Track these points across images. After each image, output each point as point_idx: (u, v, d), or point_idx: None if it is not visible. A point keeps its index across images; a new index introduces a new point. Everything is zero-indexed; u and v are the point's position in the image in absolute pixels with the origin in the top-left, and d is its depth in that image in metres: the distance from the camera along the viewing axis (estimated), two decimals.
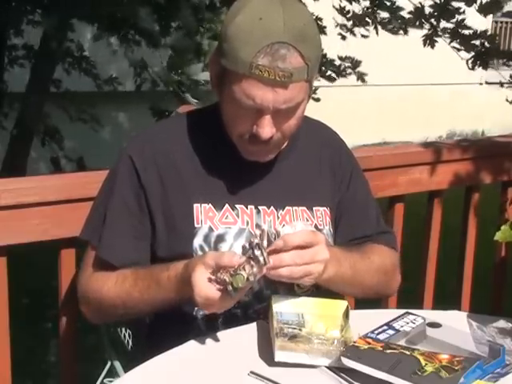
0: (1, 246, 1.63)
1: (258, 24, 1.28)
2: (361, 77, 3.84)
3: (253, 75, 1.29)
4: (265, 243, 1.23)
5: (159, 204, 1.44)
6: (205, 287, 1.22)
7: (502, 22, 12.58)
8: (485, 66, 3.17)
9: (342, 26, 3.83)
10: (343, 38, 3.94)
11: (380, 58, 7.46)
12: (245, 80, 1.30)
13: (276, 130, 1.36)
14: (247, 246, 1.23)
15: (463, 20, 3.16)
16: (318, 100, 3.77)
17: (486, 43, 3.11)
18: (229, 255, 1.22)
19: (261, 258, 1.20)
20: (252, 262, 1.20)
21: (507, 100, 3.01)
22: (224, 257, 1.21)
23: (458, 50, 3.17)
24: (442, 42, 3.46)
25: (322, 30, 3.83)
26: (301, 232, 1.27)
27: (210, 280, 1.22)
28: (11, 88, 4.86)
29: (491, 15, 11.25)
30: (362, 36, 3.92)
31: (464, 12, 3.18)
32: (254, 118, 1.34)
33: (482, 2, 3.03)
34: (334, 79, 3.77)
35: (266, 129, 1.34)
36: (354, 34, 3.96)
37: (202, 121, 1.52)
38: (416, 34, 3.56)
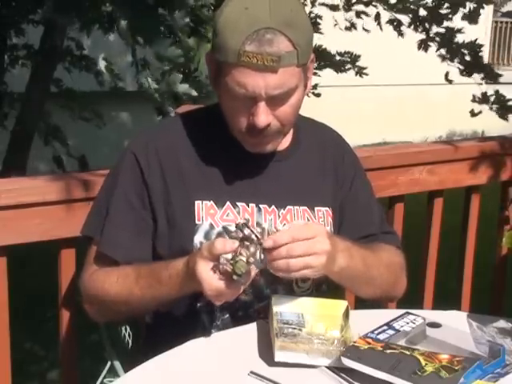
0: (1, 246, 1.63)
1: (244, 13, 1.31)
2: (360, 71, 3.82)
3: (242, 63, 1.30)
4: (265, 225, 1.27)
5: (161, 201, 1.44)
6: (213, 281, 1.22)
7: (501, 22, 12.59)
8: (470, 76, 3.21)
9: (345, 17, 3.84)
10: (349, 28, 3.94)
11: (380, 57, 7.46)
12: (235, 69, 1.32)
13: (272, 117, 1.37)
14: (234, 229, 1.24)
15: (452, 29, 3.21)
16: (318, 95, 3.76)
17: (472, 54, 3.14)
18: (220, 242, 1.22)
19: (252, 236, 1.21)
20: (246, 243, 1.21)
21: (471, 112, 3.04)
22: (216, 244, 1.21)
23: (444, 58, 3.21)
24: None
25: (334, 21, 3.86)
26: (292, 228, 1.27)
27: (214, 272, 1.22)
28: (11, 88, 4.86)
29: (491, 16, 11.27)
30: (364, 29, 3.91)
31: (451, 19, 3.23)
32: (249, 108, 1.36)
33: (470, 9, 3.11)
34: (339, 69, 3.76)
35: (262, 116, 1.35)
36: (356, 28, 3.96)
37: (205, 119, 1.53)
38: (417, 34, 3.57)
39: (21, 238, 1.65)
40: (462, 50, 3.14)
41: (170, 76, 2.46)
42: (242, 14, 1.31)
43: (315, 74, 3.49)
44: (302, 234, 1.25)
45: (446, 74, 3.23)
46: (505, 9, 13.37)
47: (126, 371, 1.43)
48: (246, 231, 1.22)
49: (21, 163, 4.52)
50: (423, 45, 3.33)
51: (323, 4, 3.96)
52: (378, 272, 1.48)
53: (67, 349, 1.78)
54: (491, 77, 3.16)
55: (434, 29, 3.30)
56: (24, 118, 4.49)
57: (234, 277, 1.20)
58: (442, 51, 3.22)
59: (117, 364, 1.58)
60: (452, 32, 3.19)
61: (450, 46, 3.17)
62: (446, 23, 3.24)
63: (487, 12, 10.85)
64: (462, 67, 3.15)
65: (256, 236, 1.22)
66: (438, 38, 3.22)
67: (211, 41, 1.42)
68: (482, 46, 3.22)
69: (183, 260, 1.31)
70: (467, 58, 3.14)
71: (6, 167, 4.51)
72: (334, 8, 3.87)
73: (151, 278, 1.36)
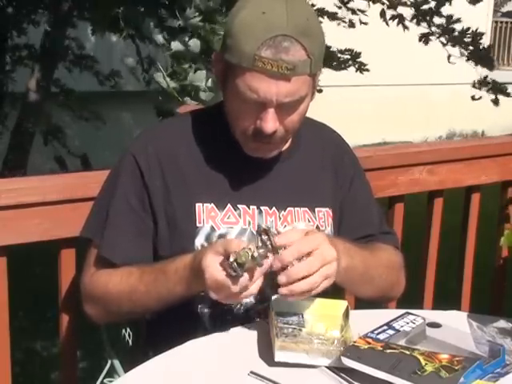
0: (1, 246, 1.63)
1: (262, 18, 1.30)
2: (360, 67, 3.82)
3: (256, 68, 1.29)
4: (273, 230, 1.23)
5: (162, 203, 1.44)
6: (215, 270, 1.21)
7: (501, 22, 12.59)
8: (476, 64, 3.24)
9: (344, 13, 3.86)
10: (352, 25, 3.95)
11: (380, 58, 7.47)
12: (248, 73, 1.31)
13: (279, 124, 1.36)
14: (255, 233, 1.24)
15: (451, 17, 3.24)
16: (320, 91, 3.76)
17: (476, 42, 3.16)
18: (237, 241, 1.23)
19: (268, 243, 1.21)
20: (260, 245, 1.21)
21: (472, 97, 3.07)
22: (232, 243, 1.22)
23: (445, 45, 3.23)
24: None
25: (333, 16, 3.85)
26: (295, 245, 1.24)
27: (220, 265, 1.21)
28: (12, 88, 4.86)
29: (491, 16, 11.28)
30: (362, 23, 3.92)
31: (450, 2, 3.26)
32: (258, 113, 1.35)
33: None
34: (339, 67, 3.77)
35: (270, 123, 1.34)
36: (354, 26, 3.97)
37: (206, 120, 1.53)
38: (417, 34, 3.57)
39: (21, 238, 1.65)
40: (464, 38, 3.16)
41: (196, 73, 2.46)
42: (258, 18, 1.30)
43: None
44: (306, 247, 1.24)
45: (448, 57, 3.25)
46: (505, 9, 13.37)
47: (126, 371, 1.43)
48: (264, 236, 1.22)
49: (21, 163, 4.53)
50: (424, 38, 3.36)
51: (320, 9, 3.97)
52: (377, 272, 1.48)
53: (67, 349, 1.78)
54: (488, 64, 3.18)
55: (436, 21, 3.32)
56: (25, 118, 4.50)
57: (234, 264, 1.18)
58: (443, 40, 3.24)
59: (117, 364, 1.58)
60: (451, 21, 3.22)
61: (451, 35, 3.19)
62: (446, 9, 3.27)
63: (487, 12, 10.86)
64: (465, 53, 3.17)
65: (271, 244, 1.21)
66: (438, 30, 3.24)
67: (222, 40, 1.41)
68: (482, 34, 3.24)
69: (192, 253, 1.31)
70: (470, 47, 3.16)
71: (6, 167, 4.52)
72: (331, 16, 3.88)
73: (157, 272, 1.36)
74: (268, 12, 1.30)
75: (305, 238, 1.26)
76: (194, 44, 2.48)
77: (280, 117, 1.35)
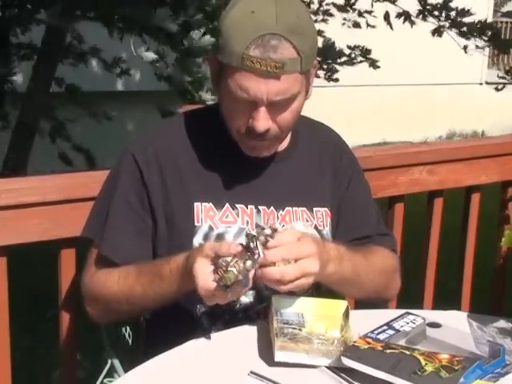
0: (1, 246, 1.63)
1: (251, 17, 1.30)
2: (373, 64, 3.86)
3: (245, 67, 1.30)
4: (261, 238, 1.22)
5: (161, 202, 1.44)
6: (207, 281, 1.21)
7: (501, 22, 12.59)
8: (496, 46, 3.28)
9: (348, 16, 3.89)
10: (357, 24, 3.97)
11: (380, 57, 7.47)
12: (238, 72, 1.31)
13: (272, 122, 1.37)
14: (245, 238, 1.23)
15: (461, 9, 3.25)
16: (336, 80, 3.77)
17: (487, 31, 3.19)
18: (226, 245, 1.22)
19: (255, 251, 1.20)
20: (248, 253, 1.20)
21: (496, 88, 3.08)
22: (222, 247, 1.21)
23: (457, 33, 3.25)
24: (444, 42, 3.48)
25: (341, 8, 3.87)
26: (281, 250, 1.24)
27: (210, 272, 1.21)
28: (13, 86, 4.85)
29: (491, 16, 11.29)
30: (369, 26, 3.94)
31: None
32: (250, 112, 1.35)
33: None
34: (351, 62, 3.80)
35: (262, 121, 1.35)
36: (360, 26, 4.00)
37: (204, 120, 1.53)
38: (417, 34, 3.57)
39: (21, 238, 1.65)
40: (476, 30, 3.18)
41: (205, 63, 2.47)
42: (247, 17, 1.30)
43: (330, 69, 3.49)
44: (292, 254, 1.24)
45: (435, 30, 3.27)
46: (505, 9, 13.37)
47: (125, 371, 1.43)
48: (252, 245, 1.21)
49: (21, 163, 4.52)
50: (437, 32, 3.38)
51: (332, 3, 3.98)
52: (367, 278, 1.48)
53: (67, 349, 1.78)
54: (505, 46, 3.19)
55: (444, 15, 3.35)
56: (25, 117, 4.49)
57: (221, 283, 1.19)
58: (453, 34, 3.26)
59: (117, 364, 1.58)
60: (460, 13, 3.24)
61: (462, 29, 3.21)
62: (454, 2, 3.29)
63: (487, 12, 10.86)
64: (480, 44, 3.19)
65: (259, 253, 1.20)
66: (448, 23, 3.26)
67: (215, 41, 1.42)
68: (491, 23, 3.26)
69: (184, 255, 1.31)
70: (483, 36, 3.18)
71: (6, 167, 4.51)
72: (341, 9, 3.90)
73: (152, 273, 1.36)
74: (257, 11, 1.30)
75: (294, 244, 1.25)
76: (207, 39, 2.49)
77: (272, 115, 1.36)
